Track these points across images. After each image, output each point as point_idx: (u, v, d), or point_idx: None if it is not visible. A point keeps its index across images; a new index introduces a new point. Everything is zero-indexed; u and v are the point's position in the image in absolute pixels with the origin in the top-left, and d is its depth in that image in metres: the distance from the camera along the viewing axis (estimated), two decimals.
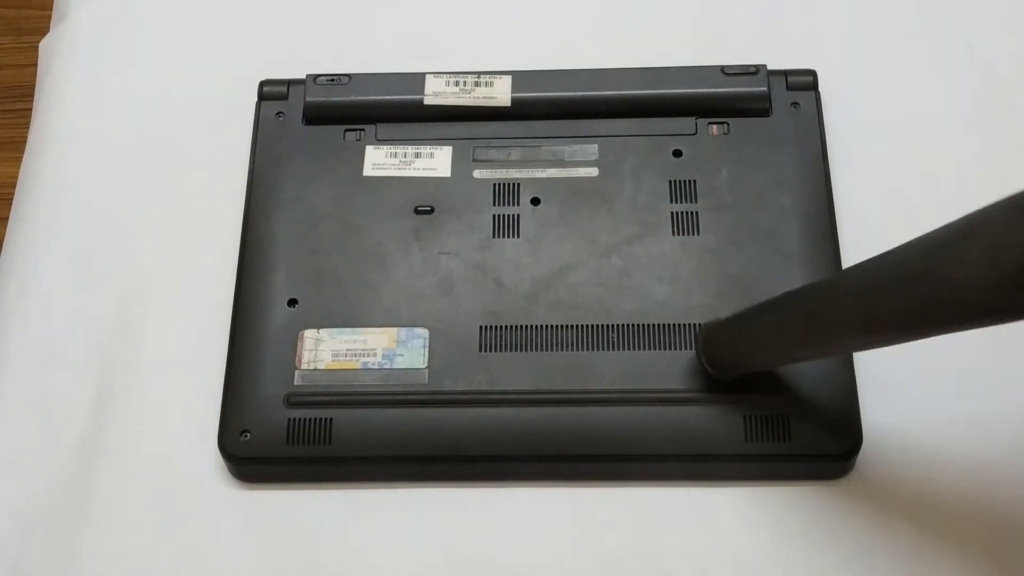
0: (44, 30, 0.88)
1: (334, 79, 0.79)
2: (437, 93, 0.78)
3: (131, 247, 0.77)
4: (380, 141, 0.77)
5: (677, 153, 0.76)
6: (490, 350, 0.70)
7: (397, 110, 0.78)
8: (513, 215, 0.74)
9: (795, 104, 0.77)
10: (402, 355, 0.70)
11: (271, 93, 0.79)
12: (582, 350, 0.70)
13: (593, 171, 0.75)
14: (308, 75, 0.79)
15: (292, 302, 0.72)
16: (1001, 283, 0.49)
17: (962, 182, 0.77)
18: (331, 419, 0.68)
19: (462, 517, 0.68)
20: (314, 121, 0.78)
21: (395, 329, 0.71)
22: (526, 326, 0.71)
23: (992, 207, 0.51)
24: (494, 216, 0.74)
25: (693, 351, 0.69)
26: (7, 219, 0.80)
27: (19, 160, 0.82)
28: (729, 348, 0.67)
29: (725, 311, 0.70)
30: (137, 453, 0.70)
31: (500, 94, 0.78)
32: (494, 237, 0.74)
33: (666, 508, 0.68)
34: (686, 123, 0.77)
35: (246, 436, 0.68)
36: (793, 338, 0.63)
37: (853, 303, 0.57)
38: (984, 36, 0.82)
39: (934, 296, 0.52)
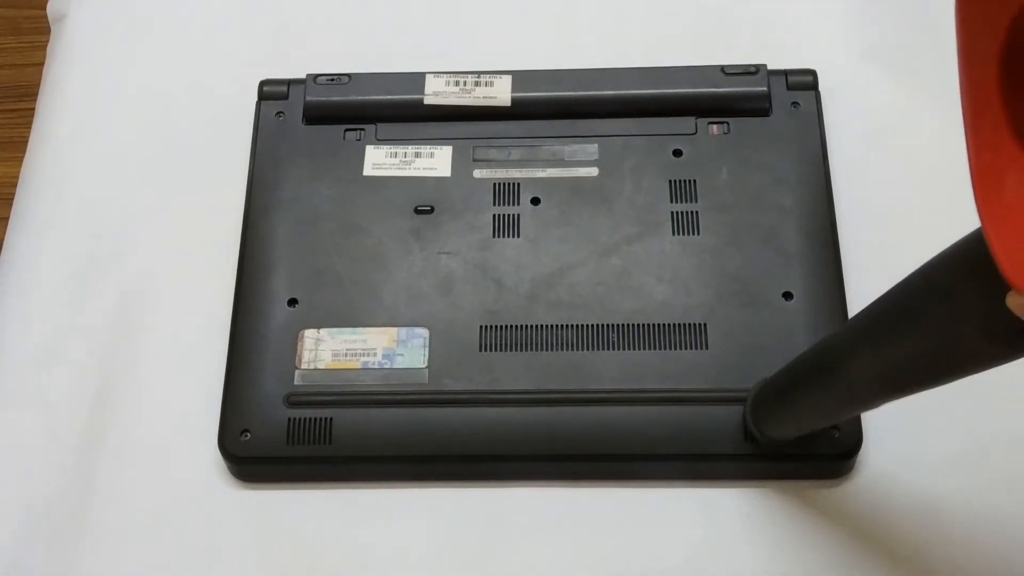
0: (44, 30, 0.88)
1: (334, 79, 0.79)
2: (437, 93, 0.78)
3: (131, 247, 0.77)
4: (380, 141, 0.77)
5: (677, 153, 0.76)
6: (490, 350, 0.70)
7: (397, 110, 0.78)
8: (513, 215, 0.74)
9: (795, 104, 0.77)
10: (402, 355, 0.70)
11: (271, 93, 0.79)
12: (582, 350, 0.70)
13: (593, 171, 0.75)
14: (308, 75, 0.79)
15: (292, 302, 0.72)
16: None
17: (962, 182, 0.77)
18: (331, 419, 0.68)
19: (462, 517, 0.68)
20: (314, 121, 0.78)
21: (395, 329, 0.71)
22: (526, 326, 0.71)
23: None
24: (494, 216, 0.74)
25: (694, 351, 0.69)
26: (7, 219, 0.80)
27: (19, 160, 0.82)
28: (779, 427, 0.66)
29: (725, 311, 0.70)
30: (137, 453, 0.70)
31: (500, 94, 0.78)
32: (494, 237, 0.74)
33: (666, 508, 0.68)
34: (686, 123, 0.77)
35: (246, 436, 0.68)
36: (833, 412, 0.63)
37: (870, 367, 0.56)
38: None
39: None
